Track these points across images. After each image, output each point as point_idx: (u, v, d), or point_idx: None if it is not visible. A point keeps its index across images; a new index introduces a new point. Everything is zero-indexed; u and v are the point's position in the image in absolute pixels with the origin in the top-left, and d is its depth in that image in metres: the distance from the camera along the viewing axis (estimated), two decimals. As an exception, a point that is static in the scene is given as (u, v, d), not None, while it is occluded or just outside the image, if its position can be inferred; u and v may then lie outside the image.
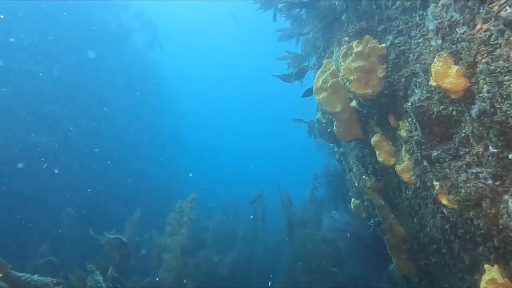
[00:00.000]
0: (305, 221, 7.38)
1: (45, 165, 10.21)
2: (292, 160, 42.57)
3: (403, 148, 2.91)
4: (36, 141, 10.74)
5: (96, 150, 12.79)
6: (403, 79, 2.67)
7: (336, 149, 7.21)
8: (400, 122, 2.91)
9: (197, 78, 44.98)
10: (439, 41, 2.04)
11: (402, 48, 2.67)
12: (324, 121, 6.56)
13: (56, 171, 10.47)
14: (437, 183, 2.25)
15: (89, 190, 10.98)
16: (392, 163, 3.25)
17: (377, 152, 3.47)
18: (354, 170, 4.99)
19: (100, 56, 14.21)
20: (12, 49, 10.99)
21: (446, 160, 2.14)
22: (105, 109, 13.70)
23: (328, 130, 6.44)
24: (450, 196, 2.08)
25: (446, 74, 1.96)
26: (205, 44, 44.17)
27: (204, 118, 43.68)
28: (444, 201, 2.20)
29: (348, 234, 4.84)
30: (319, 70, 4.29)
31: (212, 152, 37.39)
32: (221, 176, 27.52)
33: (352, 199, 5.38)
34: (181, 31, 38.90)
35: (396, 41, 2.75)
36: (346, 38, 3.38)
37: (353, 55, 3.22)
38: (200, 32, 42.48)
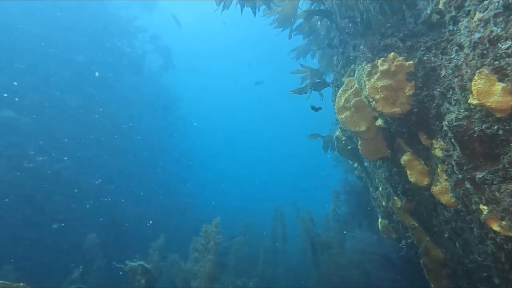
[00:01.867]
0: (328, 242, 7.10)
1: (70, 189, 10.43)
2: (305, 175, 41.99)
3: (439, 168, 2.76)
4: (63, 165, 11.07)
5: (114, 171, 13.00)
6: (435, 97, 2.57)
7: (355, 165, 7.03)
8: (433, 141, 2.77)
9: (207, 97, 45.77)
10: (478, 58, 1.95)
11: (432, 64, 2.58)
12: (344, 138, 6.44)
13: (79, 196, 10.67)
14: (485, 207, 2.09)
15: (110, 212, 11.08)
16: (426, 183, 3.08)
17: (408, 172, 3.32)
18: (380, 189, 4.79)
19: (116, 78, 14.78)
20: (39, 75, 11.53)
21: (495, 182, 1.99)
22: (123, 126, 14.00)
23: (349, 147, 6.31)
24: (504, 223, 1.91)
25: (490, 92, 1.85)
26: (216, 62, 45.15)
27: (216, 137, 44.14)
28: (495, 227, 2.03)
29: (377, 257, 4.57)
30: (341, 89, 4.23)
31: (224, 171, 37.41)
32: (234, 196, 27.30)
33: (379, 219, 5.14)
34: (194, 52, 40.04)
35: (425, 57, 2.66)
36: (370, 55, 3.32)
37: (379, 73, 3.15)
38: (210, 49, 43.48)
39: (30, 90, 11.15)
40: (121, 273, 6.94)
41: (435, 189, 2.76)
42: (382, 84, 3.13)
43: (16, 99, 10.81)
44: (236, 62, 44.32)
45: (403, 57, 2.94)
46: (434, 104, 2.58)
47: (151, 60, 18.62)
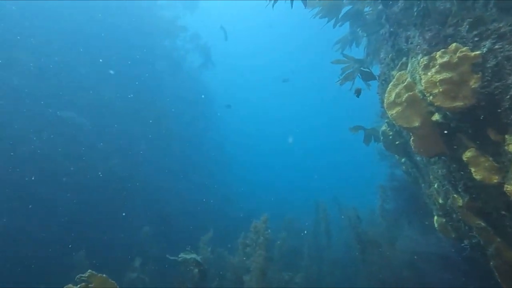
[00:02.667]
0: (377, 240, 6.89)
1: (122, 185, 11.30)
2: (344, 170, 40.85)
3: (513, 166, 2.56)
4: (114, 162, 12.02)
5: (163, 168, 13.77)
6: (510, 88, 2.37)
7: (403, 160, 6.73)
8: (506, 136, 2.57)
9: (245, 92, 46.15)
10: None
11: (506, 53, 2.39)
12: (391, 133, 6.20)
13: (131, 191, 11.52)
14: None
15: (161, 207, 11.80)
16: (495, 181, 2.88)
17: (472, 169, 3.12)
18: (436, 186, 4.54)
19: (159, 78, 15.57)
20: (92, 76, 12.50)
21: None
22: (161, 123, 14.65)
23: (397, 142, 6.06)
24: None
25: None
26: (252, 60, 45.31)
27: (256, 133, 44.60)
28: None
29: (434, 256, 4.36)
30: (391, 83, 4.07)
31: (263, 167, 37.66)
32: (272, 190, 27.41)
33: (435, 217, 4.88)
34: (232, 51, 40.51)
35: (496, 46, 2.47)
36: (426, 47, 3.15)
37: (437, 66, 2.98)
38: (248, 45, 43.67)
39: (85, 91, 12.15)
40: (174, 265, 7.43)
41: (509, 187, 2.57)
42: (441, 77, 2.96)
43: (74, 100, 11.84)
44: (272, 59, 44.30)
45: (467, 48, 2.75)
46: (508, 97, 2.39)
47: (192, 59, 19.29)
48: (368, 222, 8.06)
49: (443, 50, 2.91)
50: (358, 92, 6.95)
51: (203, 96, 19.05)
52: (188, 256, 6.25)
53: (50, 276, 7.68)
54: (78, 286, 3.13)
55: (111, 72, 13.01)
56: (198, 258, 6.34)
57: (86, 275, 3.21)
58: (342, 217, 8.89)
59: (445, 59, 2.88)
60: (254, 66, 45.71)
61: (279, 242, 7.76)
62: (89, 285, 3.21)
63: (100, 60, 12.71)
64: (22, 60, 10.68)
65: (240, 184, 21.04)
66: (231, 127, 27.84)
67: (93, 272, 3.12)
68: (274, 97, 48.60)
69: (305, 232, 10.24)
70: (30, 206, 9.02)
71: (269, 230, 5.79)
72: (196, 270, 6.26)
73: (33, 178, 9.46)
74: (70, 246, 8.21)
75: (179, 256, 6.30)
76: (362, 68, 8.33)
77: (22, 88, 10.32)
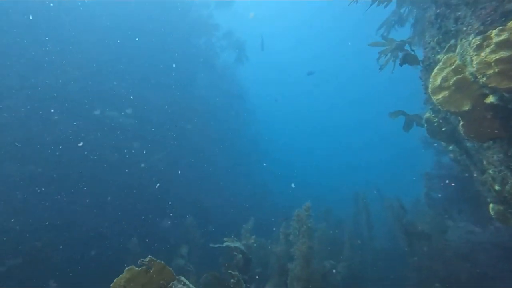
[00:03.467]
0: (424, 231, 6.64)
1: (164, 179, 12.04)
2: (386, 161, 39.30)
3: None
4: (156, 157, 12.82)
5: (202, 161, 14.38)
6: None
7: (451, 148, 6.42)
8: None
9: (283, 87, 45.79)
10: None
11: None
12: (436, 120, 5.95)
13: (174, 184, 12.24)
14: None
15: (201, 200, 12.41)
16: (561, 164, 2.70)
17: (534, 153, 2.95)
18: (491, 172, 4.30)
19: (195, 76, 16.13)
20: (131, 76, 13.30)
21: None
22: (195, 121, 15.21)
23: (443, 129, 5.81)
24: None
25: None
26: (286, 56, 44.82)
27: (292, 125, 44.46)
28: None
29: (491, 246, 4.15)
30: (437, 67, 3.91)
31: (299, 155, 37.43)
32: (310, 184, 27.15)
33: (491, 205, 4.63)
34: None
35: (562, 22, 2.30)
36: (480, 27, 3.00)
37: (493, 45, 2.83)
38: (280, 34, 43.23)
39: (126, 91, 12.99)
40: (217, 252, 7.83)
41: None
42: (497, 57, 2.82)
43: (116, 100, 12.70)
44: (306, 54, 43.54)
45: (528, 24, 2.59)
46: None
47: (226, 56, 19.64)
48: (413, 212, 7.77)
49: (500, 28, 2.77)
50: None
51: (237, 93, 19.42)
52: (232, 245, 6.55)
53: (108, 260, 8.51)
54: (139, 268, 3.43)
55: (151, 71, 13.71)
56: (242, 246, 6.62)
57: (147, 260, 3.47)
58: (384, 207, 8.67)
59: (502, 37, 2.74)
60: (289, 61, 45.21)
61: (318, 232, 7.80)
62: (149, 270, 3.47)
63: (139, 61, 13.46)
64: (71, 63, 11.64)
65: (276, 180, 21.23)
66: (267, 123, 28.11)
67: (153, 258, 3.39)
68: (309, 92, 47.93)
69: (345, 222, 10.17)
70: (87, 200, 9.95)
71: (311, 219, 5.86)
72: (240, 256, 6.57)
73: (84, 174, 10.39)
74: (123, 233, 9.00)
75: (224, 243, 6.62)
76: (406, 51, 7.95)
77: (70, 90, 11.27)
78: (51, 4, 11.18)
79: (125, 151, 11.95)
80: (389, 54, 7.90)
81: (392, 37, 7.50)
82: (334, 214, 10.79)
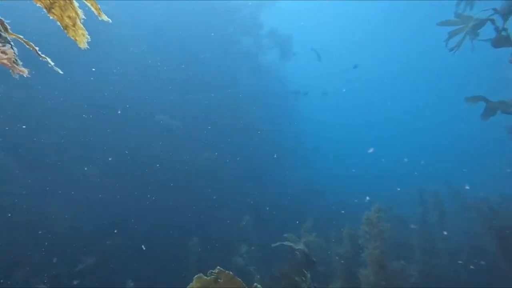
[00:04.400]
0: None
1: (214, 179, 12.24)
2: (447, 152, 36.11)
3: None
4: (205, 157, 13.12)
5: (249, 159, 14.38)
6: None
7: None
8: None
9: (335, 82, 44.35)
10: None
11: None
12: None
13: (225, 184, 12.39)
14: None
15: (253, 198, 12.39)
16: None
17: None
18: None
19: (238, 74, 16.15)
20: (177, 79, 13.69)
21: None
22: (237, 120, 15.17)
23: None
24: None
25: None
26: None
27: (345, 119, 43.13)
28: None
29: None
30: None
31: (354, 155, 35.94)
32: (364, 181, 25.73)
33: None
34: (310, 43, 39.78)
35: None
36: None
37: None
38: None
39: (174, 94, 13.39)
40: (275, 252, 7.63)
41: None
42: None
43: (165, 103, 13.16)
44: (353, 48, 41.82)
45: None
46: None
47: (270, 53, 19.45)
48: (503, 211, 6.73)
49: None
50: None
51: (281, 89, 19.11)
52: (296, 246, 6.30)
53: (169, 260, 8.84)
54: (209, 278, 3.41)
55: (197, 72, 13.96)
56: (305, 247, 6.34)
57: (216, 271, 3.44)
58: (461, 205, 7.72)
59: None
60: (337, 55, 43.49)
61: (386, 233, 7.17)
62: (218, 280, 3.44)
63: (183, 66, 13.77)
64: (124, 70, 12.30)
65: (326, 176, 20.55)
66: (315, 119, 27.42)
67: (222, 269, 3.33)
68: (360, 86, 45.85)
69: (409, 221, 9.30)
70: (147, 202, 10.45)
71: (383, 222, 5.35)
72: (303, 257, 6.29)
73: (138, 174, 10.91)
74: (184, 233, 9.29)
75: (285, 242, 6.40)
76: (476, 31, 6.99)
77: (124, 96, 11.92)
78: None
79: (176, 152, 12.33)
80: (463, 34, 6.92)
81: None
82: (396, 212, 9.93)
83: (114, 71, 11.87)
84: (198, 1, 14.30)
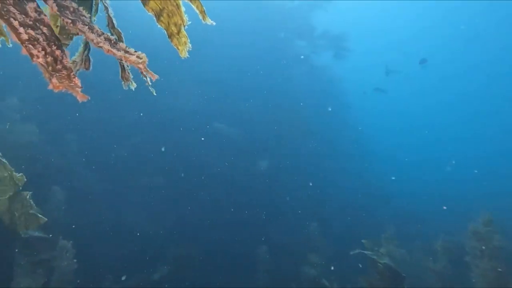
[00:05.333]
0: None
1: (275, 185, 12.00)
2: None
3: None
4: (263, 164, 12.98)
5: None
6: None
7: None
8: None
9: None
10: None
11: None
12: None
13: (286, 189, 12.09)
14: None
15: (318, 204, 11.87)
16: None
17: None
18: None
19: (291, 77, 15.79)
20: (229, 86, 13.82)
21: None
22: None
23: None
24: None
25: None
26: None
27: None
28: None
29: None
30: None
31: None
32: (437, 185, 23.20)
33: None
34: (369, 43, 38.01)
35: None
36: None
37: None
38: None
39: (228, 102, 13.51)
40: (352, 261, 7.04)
41: None
42: None
43: (222, 112, 13.33)
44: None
45: None
46: None
47: (324, 55, 18.89)
48: None
49: None
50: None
51: (337, 90, 18.26)
52: (381, 260, 5.68)
53: (238, 268, 8.78)
54: None
55: (255, 78, 13.95)
56: (389, 260, 5.67)
57: None
58: None
59: None
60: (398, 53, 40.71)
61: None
62: None
63: (235, 74, 13.82)
64: (184, 85, 12.80)
65: (391, 182, 18.96)
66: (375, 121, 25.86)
67: None
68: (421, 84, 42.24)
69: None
70: (212, 210, 10.58)
71: (497, 237, 4.47)
72: (386, 271, 5.63)
73: (197, 182, 11.12)
74: (251, 241, 9.17)
75: (366, 252, 5.81)
76: None
77: (185, 105, 12.37)
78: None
79: (235, 159, 12.36)
80: None
81: None
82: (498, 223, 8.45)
83: (171, 82, 12.44)
84: (249, 4, 14.30)
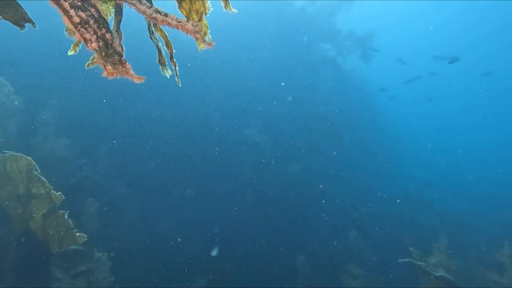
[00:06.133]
0: None
1: (306, 189, 11.55)
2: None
3: None
4: (294, 169, 12.60)
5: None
6: None
7: None
8: None
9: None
10: None
11: None
12: None
13: (318, 195, 11.60)
14: None
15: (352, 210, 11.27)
16: None
17: None
18: None
19: (318, 81, 15.43)
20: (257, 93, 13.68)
21: None
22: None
23: None
24: None
25: None
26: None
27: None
28: None
29: None
30: None
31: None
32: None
33: None
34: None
35: None
36: None
37: None
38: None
39: (258, 107, 13.36)
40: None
41: None
42: None
43: (252, 118, 13.19)
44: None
45: None
46: None
47: (350, 58, 18.44)
48: None
49: None
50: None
51: (364, 93, 17.62)
52: (436, 273, 5.11)
53: (278, 280, 8.38)
54: None
55: (282, 83, 13.76)
56: (445, 273, 5.09)
57: None
58: None
59: None
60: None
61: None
62: None
63: (258, 82, 13.70)
64: (213, 93, 12.83)
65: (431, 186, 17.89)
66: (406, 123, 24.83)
67: None
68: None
69: None
70: (246, 220, 10.31)
71: None
72: (442, 285, 5.05)
73: (229, 189, 10.90)
74: (289, 251, 8.75)
75: (419, 263, 5.26)
76: None
77: (214, 113, 12.33)
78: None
79: (267, 166, 12.10)
80: None
81: None
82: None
83: (196, 89, 12.50)
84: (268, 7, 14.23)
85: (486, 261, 6.08)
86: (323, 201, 11.02)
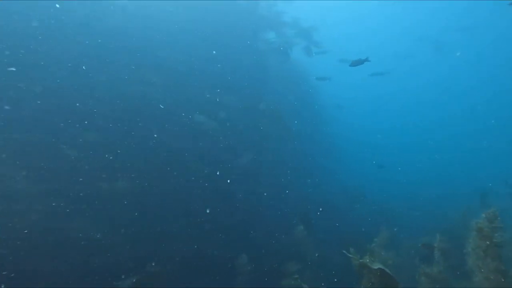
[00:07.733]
0: None
1: (260, 182, 11.24)
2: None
3: None
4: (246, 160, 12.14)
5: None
6: None
7: None
8: None
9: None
10: None
11: None
12: None
13: (270, 189, 11.37)
14: None
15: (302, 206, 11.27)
16: None
17: None
18: None
19: (265, 73, 15.25)
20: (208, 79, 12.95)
21: None
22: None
23: None
24: None
25: None
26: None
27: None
28: None
29: None
30: None
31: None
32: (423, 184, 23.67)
33: None
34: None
35: None
36: None
37: None
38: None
39: (210, 95, 12.62)
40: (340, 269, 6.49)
41: None
42: None
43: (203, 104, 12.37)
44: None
45: None
46: None
47: (297, 50, 18.51)
48: None
49: None
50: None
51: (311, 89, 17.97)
52: (375, 267, 5.13)
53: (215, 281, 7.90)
54: None
55: (223, 73, 13.24)
56: (387, 270, 5.15)
57: None
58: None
59: None
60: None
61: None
62: None
63: (219, 65, 13.00)
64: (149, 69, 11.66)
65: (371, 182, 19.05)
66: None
67: None
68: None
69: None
70: (186, 213, 9.59)
71: (501, 233, 4.08)
72: (380, 277, 5.14)
73: (174, 179, 10.07)
74: (229, 249, 8.31)
75: (358, 259, 5.27)
76: None
77: (161, 96, 11.22)
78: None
79: (215, 155, 11.47)
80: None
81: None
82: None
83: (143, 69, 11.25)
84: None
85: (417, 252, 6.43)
86: (268, 194, 10.83)
